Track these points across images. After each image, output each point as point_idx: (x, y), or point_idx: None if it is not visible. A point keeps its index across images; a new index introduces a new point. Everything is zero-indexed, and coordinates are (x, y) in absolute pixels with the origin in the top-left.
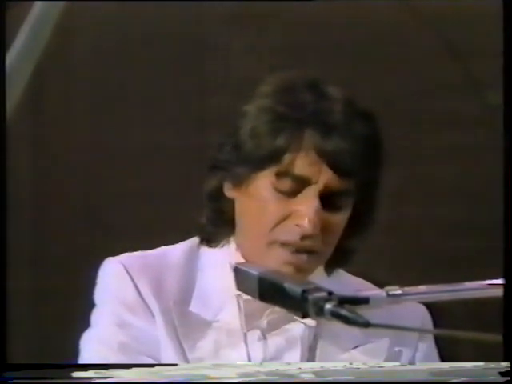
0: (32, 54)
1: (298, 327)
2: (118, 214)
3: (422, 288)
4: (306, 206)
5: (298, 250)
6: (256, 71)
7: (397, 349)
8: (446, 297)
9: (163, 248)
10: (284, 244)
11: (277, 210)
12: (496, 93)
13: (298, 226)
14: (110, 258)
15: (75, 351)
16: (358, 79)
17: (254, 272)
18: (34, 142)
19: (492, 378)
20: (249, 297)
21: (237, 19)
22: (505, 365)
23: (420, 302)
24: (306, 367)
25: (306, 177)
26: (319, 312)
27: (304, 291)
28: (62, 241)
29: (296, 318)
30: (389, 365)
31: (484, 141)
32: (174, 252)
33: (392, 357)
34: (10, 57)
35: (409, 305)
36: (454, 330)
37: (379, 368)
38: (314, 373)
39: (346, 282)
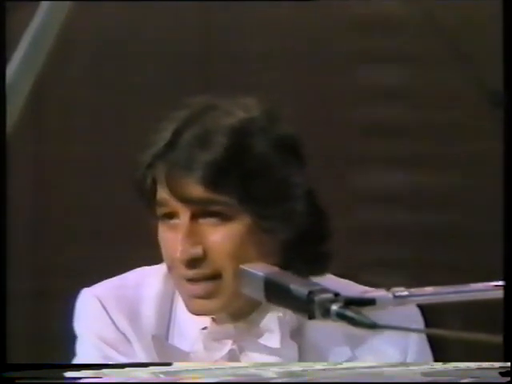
0: (32, 64)
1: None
2: (119, 219)
3: (428, 289)
4: (177, 235)
5: (198, 280)
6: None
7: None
8: (452, 298)
9: (140, 273)
10: (185, 279)
11: (168, 250)
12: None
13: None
14: (86, 290)
15: (75, 351)
16: (357, 77)
17: (260, 273)
18: (34, 152)
19: (492, 378)
20: (218, 328)
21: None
22: (505, 365)
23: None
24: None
25: (173, 208)
26: (325, 313)
27: (310, 292)
28: (62, 242)
29: (259, 341)
30: (380, 365)
31: (485, 146)
32: (151, 276)
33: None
34: (11, 67)
35: None
36: (454, 331)
37: (368, 369)
38: (301, 374)
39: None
